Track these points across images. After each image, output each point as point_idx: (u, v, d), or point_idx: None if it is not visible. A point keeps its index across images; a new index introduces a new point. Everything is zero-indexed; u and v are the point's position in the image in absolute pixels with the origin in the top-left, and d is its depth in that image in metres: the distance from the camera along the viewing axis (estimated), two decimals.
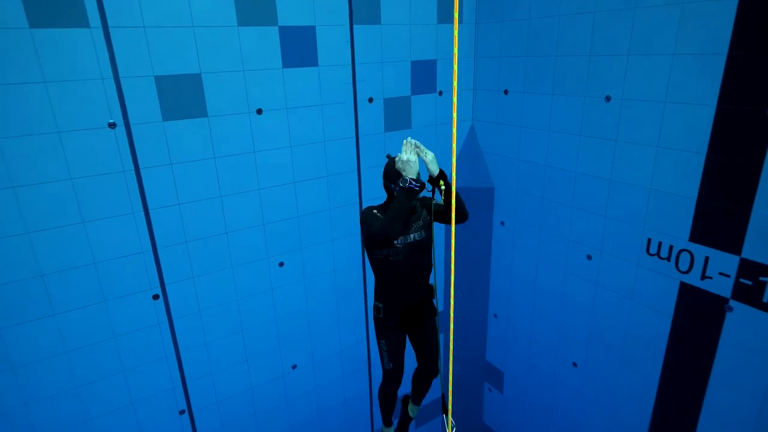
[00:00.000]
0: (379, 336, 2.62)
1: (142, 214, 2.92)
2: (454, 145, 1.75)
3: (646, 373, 3.19)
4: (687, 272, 2.83)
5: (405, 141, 2.22)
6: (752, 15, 2.31)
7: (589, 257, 3.44)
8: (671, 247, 2.89)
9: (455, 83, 1.72)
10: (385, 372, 2.70)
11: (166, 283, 3.12)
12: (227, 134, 3.09)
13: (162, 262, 3.06)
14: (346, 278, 3.97)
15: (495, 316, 4.55)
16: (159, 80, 2.79)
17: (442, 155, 4.14)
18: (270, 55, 3.12)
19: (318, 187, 3.59)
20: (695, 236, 2.75)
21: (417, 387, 2.86)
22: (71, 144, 2.62)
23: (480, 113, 4.15)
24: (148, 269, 3.03)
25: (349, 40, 3.39)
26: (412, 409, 3.01)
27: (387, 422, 3.06)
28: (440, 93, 3.99)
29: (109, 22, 2.57)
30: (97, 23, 2.55)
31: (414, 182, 2.14)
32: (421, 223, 2.42)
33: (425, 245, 2.43)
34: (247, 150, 3.19)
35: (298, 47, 3.20)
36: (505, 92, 3.84)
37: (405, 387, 2.89)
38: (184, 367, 3.34)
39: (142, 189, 2.89)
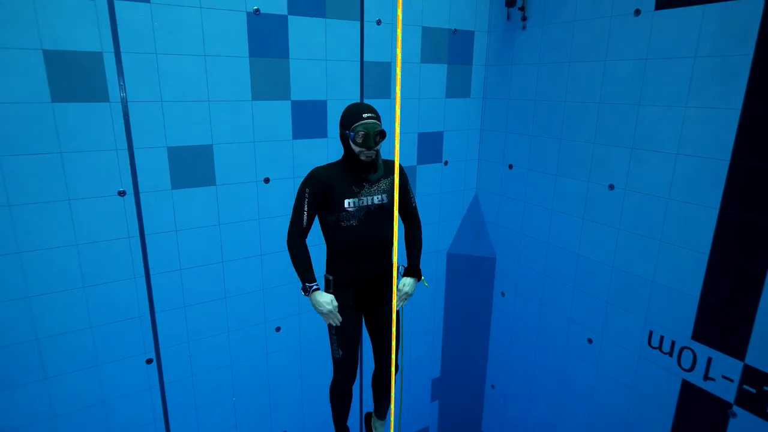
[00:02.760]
0: None
1: (143, 279, 2.94)
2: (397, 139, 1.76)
3: None
4: (689, 370, 2.77)
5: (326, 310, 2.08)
6: (756, 126, 2.35)
7: (589, 341, 3.39)
8: (673, 343, 2.84)
9: (398, 90, 1.73)
10: (335, 362, 2.28)
11: (161, 347, 3.09)
12: (233, 202, 3.13)
13: (158, 327, 3.05)
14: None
15: (492, 386, 4.45)
16: (171, 151, 2.86)
17: (447, 222, 4.18)
18: (281, 127, 3.20)
19: (321, 253, 3.59)
20: (698, 335, 2.71)
21: (375, 390, 2.48)
22: (80, 211, 2.66)
23: (484, 183, 4.20)
24: (144, 333, 3.01)
25: None
26: (376, 426, 2.59)
27: (339, 429, 2.54)
28: (446, 163, 4.05)
29: (129, 97, 2.67)
30: (116, 98, 2.64)
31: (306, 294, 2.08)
32: (383, 185, 2.11)
33: (388, 212, 2.11)
34: (252, 217, 3.23)
35: (309, 120, 3.29)
36: (510, 167, 3.90)
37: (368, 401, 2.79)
38: None
39: (145, 255, 2.91)
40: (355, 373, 2.29)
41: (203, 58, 2.82)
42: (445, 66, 3.80)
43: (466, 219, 4.27)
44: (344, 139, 2.04)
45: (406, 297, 2.20)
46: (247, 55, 2.96)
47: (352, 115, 2.00)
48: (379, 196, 2.10)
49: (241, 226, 3.20)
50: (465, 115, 4.04)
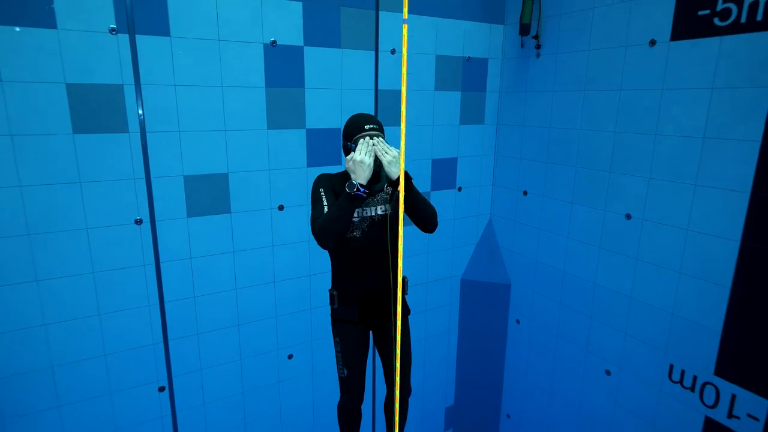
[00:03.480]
0: (334, 333, 2.17)
1: (158, 306, 2.95)
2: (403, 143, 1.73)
3: None
4: (713, 407, 2.68)
5: (362, 140, 1.90)
6: None
7: (608, 372, 3.31)
8: (695, 378, 2.76)
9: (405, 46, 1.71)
10: (341, 382, 2.18)
11: (173, 375, 3.08)
12: (248, 230, 3.15)
13: (171, 354, 3.05)
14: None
15: (508, 416, 4.35)
16: (188, 179, 2.89)
17: (461, 247, 4.15)
18: (296, 155, 3.23)
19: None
20: (721, 371, 2.63)
21: (387, 415, 2.34)
22: (97, 239, 2.70)
23: (498, 209, 4.17)
24: (157, 361, 3.01)
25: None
26: None
27: None
28: (459, 189, 4.04)
29: (147, 128, 2.72)
30: (135, 128, 2.69)
31: (362, 189, 1.83)
32: (387, 195, 2.05)
33: (391, 222, 2.05)
34: (266, 244, 3.24)
35: (324, 147, 3.31)
36: (525, 193, 3.87)
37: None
38: None
39: (160, 282, 2.92)
40: (362, 393, 2.20)
41: (221, 89, 2.87)
42: (459, 93, 3.82)
43: (480, 245, 4.24)
44: (347, 151, 2.01)
45: (376, 150, 1.92)
46: (264, 85, 3.00)
47: (354, 126, 1.98)
48: (383, 206, 2.05)
49: (255, 253, 3.21)
50: (479, 141, 4.04)
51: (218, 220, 3.04)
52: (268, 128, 3.09)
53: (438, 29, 3.58)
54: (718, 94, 2.49)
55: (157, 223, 2.85)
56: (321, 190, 2.01)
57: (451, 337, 4.37)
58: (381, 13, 3.30)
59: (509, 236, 4.09)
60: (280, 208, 3.23)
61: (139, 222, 2.79)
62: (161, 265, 2.91)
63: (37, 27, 2.36)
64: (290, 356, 3.52)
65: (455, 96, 3.82)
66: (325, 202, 1.96)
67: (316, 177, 2.07)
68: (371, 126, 1.97)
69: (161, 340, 3.00)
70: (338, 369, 2.15)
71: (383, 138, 2.01)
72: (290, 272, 3.37)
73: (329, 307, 2.24)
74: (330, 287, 2.16)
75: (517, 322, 4.11)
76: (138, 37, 2.60)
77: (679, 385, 2.85)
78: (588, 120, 3.24)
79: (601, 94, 3.13)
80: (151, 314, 2.93)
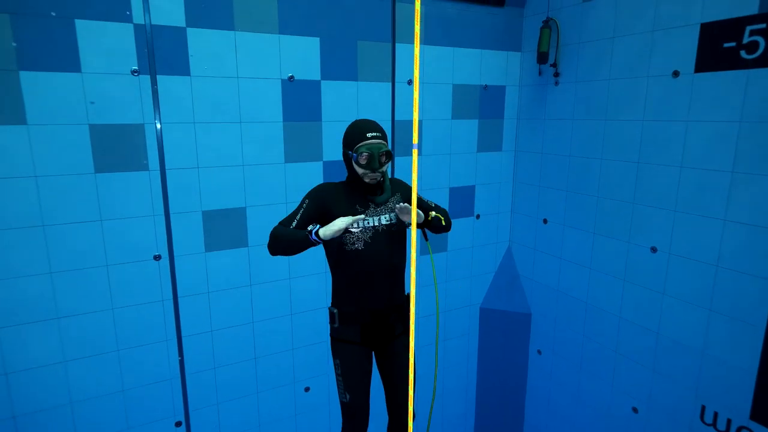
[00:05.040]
0: (335, 354, 2.00)
1: (175, 341, 2.95)
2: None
3: None
4: None
5: (356, 224, 1.78)
6: None
7: (635, 410, 3.18)
8: (729, 422, 2.63)
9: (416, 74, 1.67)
10: (343, 408, 2.01)
11: (190, 409, 3.07)
12: (265, 263, 3.14)
13: (188, 389, 3.04)
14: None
15: None
16: (206, 214, 2.91)
17: (479, 275, 4.08)
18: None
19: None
20: (757, 415, 2.50)
21: None
22: (117, 276, 2.72)
23: (518, 237, 4.10)
24: (174, 396, 3.00)
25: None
26: None
27: None
28: (477, 216, 3.98)
29: (167, 165, 2.75)
30: (156, 166, 2.72)
31: (318, 240, 1.75)
32: (391, 204, 1.91)
33: (397, 233, 1.91)
34: (283, 277, 3.23)
35: (340, 179, 3.29)
36: (545, 221, 3.80)
37: None
38: None
39: (177, 317, 2.93)
40: (367, 419, 2.03)
41: (239, 125, 2.90)
42: (477, 121, 3.79)
43: (499, 273, 4.16)
44: (347, 160, 1.89)
45: (404, 209, 1.84)
46: (281, 119, 3.02)
47: (355, 134, 1.85)
48: (387, 216, 1.90)
49: (272, 286, 3.19)
50: (497, 168, 3.99)
51: (236, 254, 3.04)
52: (286, 162, 3.09)
53: (455, 58, 3.57)
54: (747, 128, 2.41)
55: (175, 259, 2.86)
56: (306, 203, 1.89)
57: (470, 367, 4.27)
58: (398, 45, 3.31)
59: (529, 265, 4.01)
60: None
61: (157, 258, 2.81)
62: (179, 300, 2.91)
63: (63, 71, 2.41)
64: (307, 389, 3.48)
65: (473, 124, 3.79)
66: (297, 218, 1.86)
67: (317, 186, 1.95)
68: (374, 134, 1.84)
69: (178, 374, 2.99)
70: (339, 394, 1.99)
71: (385, 142, 1.87)
72: (307, 304, 3.35)
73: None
74: (330, 305, 2.01)
75: (539, 352, 4.00)
76: (159, 77, 2.64)
77: (712, 428, 2.72)
78: (610, 149, 3.17)
79: (623, 124, 3.07)
80: (168, 349, 2.93)
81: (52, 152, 2.46)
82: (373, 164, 1.82)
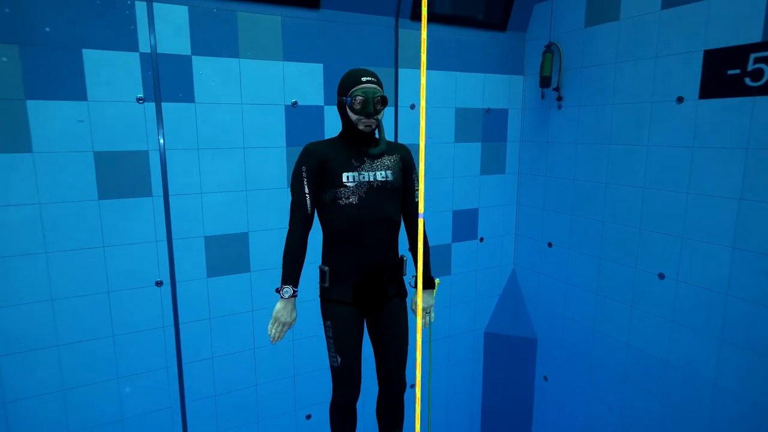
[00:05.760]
0: (325, 316, 1.92)
1: (176, 368, 2.91)
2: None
3: None
4: None
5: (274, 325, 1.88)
6: None
7: None
8: None
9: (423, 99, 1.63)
10: (333, 373, 1.91)
11: None
12: (268, 288, 3.10)
13: (188, 417, 2.98)
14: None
15: None
16: (208, 240, 2.90)
17: (483, 299, 4.03)
18: None
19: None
20: None
21: (381, 423, 2.07)
22: (118, 302, 2.70)
23: (522, 260, 4.06)
24: (174, 424, 2.95)
25: None
26: None
27: None
28: (481, 239, 3.95)
29: (171, 191, 2.75)
30: (159, 192, 2.72)
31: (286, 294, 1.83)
32: (387, 162, 1.87)
33: (392, 191, 1.86)
34: None
35: None
36: (549, 245, 3.76)
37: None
38: None
39: (178, 344, 2.90)
40: (358, 386, 1.93)
41: (242, 150, 2.91)
42: (480, 144, 3.79)
43: (503, 296, 4.11)
44: (341, 108, 1.82)
45: (426, 313, 2.02)
46: (285, 145, 3.03)
47: (350, 80, 1.78)
48: (383, 173, 1.83)
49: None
50: (500, 191, 3.97)
51: (238, 280, 3.02)
52: (288, 186, 3.09)
53: (457, 82, 3.59)
54: (754, 155, 2.38)
55: (177, 285, 2.84)
56: (304, 172, 1.80)
57: (474, 393, 4.19)
58: (400, 71, 3.33)
59: (534, 288, 3.96)
60: None
61: (159, 284, 2.79)
62: (180, 326, 2.89)
63: (69, 100, 2.44)
64: (308, 416, 3.41)
65: (476, 147, 3.78)
66: (307, 197, 1.81)
67: (302, 149, 1.85)
68: (369, 79, 1.78)
69: (178, 402, 2.95)
70: (330, 357, 1.89)
71: (381, 89, 1.81)
72: (308, 329, 3.30)
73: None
74: (320, 263, 1.93)
75: (545, 379, 3.92)
76: (164, 104, 2.66)
77: None
78: (614, 174, 3.15)
79: (627, 149, 3.05)
80: (168, 377, 2.90)
81: (56, 179, 2.46)
82: (367, 108, 1.75)
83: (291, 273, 1.85)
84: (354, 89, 1.76)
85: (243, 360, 3.11)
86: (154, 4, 2.55)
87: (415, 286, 1.85)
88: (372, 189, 1.81)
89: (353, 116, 1.79)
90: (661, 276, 2.89)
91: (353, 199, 1.79)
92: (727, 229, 2.53)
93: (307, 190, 1.81)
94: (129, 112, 2.59)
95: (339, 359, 1.86)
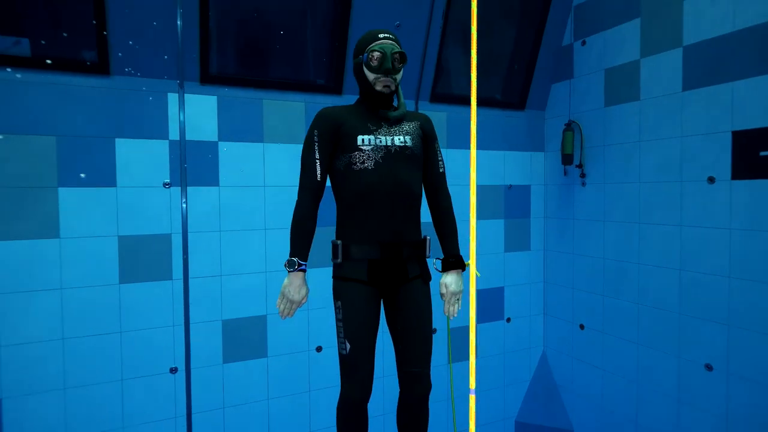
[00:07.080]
0: (336, 296, 1.71)
1: None
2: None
3: None
4: None
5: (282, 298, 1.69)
6: None
7: None
8: None
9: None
10: (342, 364, 1.67)
11: None
12: (284, 374, 2.99)
13: None
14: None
15: None
16: (226, 324, 2.83)
17: (513, 385, 3.77)
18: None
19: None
20: None
21: (400, 424, 1.79)
22: (131, 391, 2.61)
23: (553, 342, 3.83)
24: None
25: None
26: None
27: None
28: (508, 320, 3.77)
29: (191, 273, 2.73)
30: (179, 275, 2.71)
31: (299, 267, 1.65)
32: (407, 127, 1.73)
33: (411, 158, 1.70)
34: (303, 390, 3.04)
35: None
36: (581, 327, 3.55)
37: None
38: None
39: None
40: (368, 383, 1.66)
41: (263, 232, 2.91)
42: (503, 221, 3.73)
43: (534, 382, 3.84)
44: (358, 70, 1.70)
45: (455, 299, 1.76)
46: None
47: (366, 38, 1.68)
48: (402, 137, 1.70)
49: (291, 400, 3.00)
50: (526, 268, 3.84)
51: (254, 365, 2.91)
52: (309, 267, 3.04)
53: (478, 160, 3.60)
54: None
55: (192, 371, 2.75)
56: (315, 141, 1.68)
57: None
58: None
59: (567, 374, 3.69)
60: (318, 349, 3.08)
61: (174, 371, 2.70)
62: (192, 416, 2.75)
63: (99, 186, 2.51)
64: None
65: (498, 224, 3.72)
66: (317, 163, 1.68)
67: (316, 114, 1.73)
68: (386, 35, 1.68)
69: None
70: (339, 344, 1.67)
71: (399, 45, 1.70)
72: (326, 422, 3.11)
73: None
74: (334, 237, 1.75)
75: None
76: (189, 188, 2.72)
77: None
78: (647, 254, 3.01)
79: (658, 228, 2.94)
80: None
81: (80, 264, 2.49)
82: (386, 64, 1.64)
83: (298, 246, 1.69)
84: (371, 45, 1.66)
85: None
86: (186, 95, 2.69)
87: (442, 269, 1.75)
88: (390, 154, 1.67)
89: (370, 75, 1.68)
90: (709, 367, 2.65)
91: (369, 164, 1.65)
92: None
93: (317, 156, 1.68)
94: (155, 196, 2.64)
95: (348, 346, 1.63)
